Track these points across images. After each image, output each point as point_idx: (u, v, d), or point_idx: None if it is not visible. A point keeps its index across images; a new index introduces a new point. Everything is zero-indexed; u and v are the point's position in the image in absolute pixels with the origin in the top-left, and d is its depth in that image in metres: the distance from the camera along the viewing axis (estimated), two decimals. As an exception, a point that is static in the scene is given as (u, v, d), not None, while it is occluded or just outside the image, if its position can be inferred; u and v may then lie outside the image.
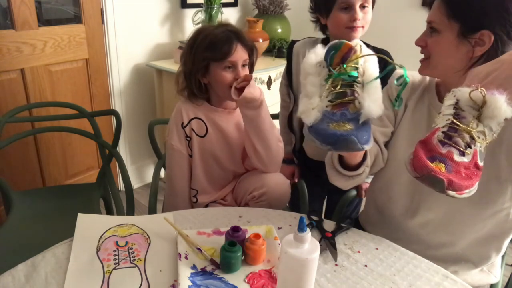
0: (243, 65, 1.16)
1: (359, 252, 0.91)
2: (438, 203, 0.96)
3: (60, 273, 0.80)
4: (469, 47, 0.85)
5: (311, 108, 0.73)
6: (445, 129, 0.68)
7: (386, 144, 1.05)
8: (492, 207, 0.91)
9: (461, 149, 0.66)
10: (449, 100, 0.71)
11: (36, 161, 2.05)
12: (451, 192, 0.64)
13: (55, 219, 1.44)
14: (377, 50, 1.34)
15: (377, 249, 0.92)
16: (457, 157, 0.66)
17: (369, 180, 1.21)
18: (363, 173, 0.94)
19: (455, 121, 0.67)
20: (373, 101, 0.71)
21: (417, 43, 0.94)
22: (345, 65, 0.73)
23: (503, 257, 1.11)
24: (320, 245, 0.77)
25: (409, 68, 1.11)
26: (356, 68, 0.74)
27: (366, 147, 0.70)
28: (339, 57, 0.74)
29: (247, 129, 1.17)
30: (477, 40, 0.84)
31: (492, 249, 0.98)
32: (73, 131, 1.64)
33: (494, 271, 1.05)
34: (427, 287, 0.81)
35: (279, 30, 2.69)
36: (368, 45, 1.36)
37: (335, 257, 0.88)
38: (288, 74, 1.41)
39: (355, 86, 0.73)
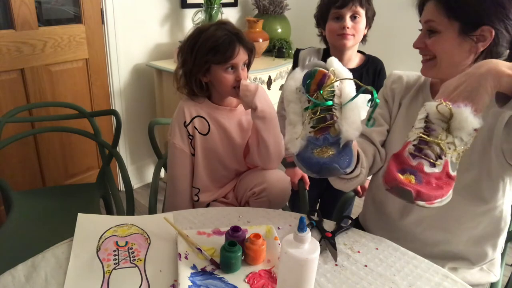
0: (243, 64, 1.18)
1: (359, 252, 0.91)
2: None
3: (60, 273, 0.80)
4: (472, 44, 0.86)
5: (295, 138, 0.77)
6: (415, 142, 0.70)
7: (384, 143, 1.05)
8: (484, 204, 0.93)
9: (431, 161, 0.68)
10: (421, 114, 0.74)
11: (36, 161, 2.05)
12: (421, 202, 0.65)
13: (55, 219, 1.44)
14: (372, 58, 1.43)
15: (377, 249, 0.92)
16: (427, 169, 0.68)
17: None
18: (361, 175, 0.94)
19: (422, 135, 0.70)
20: (349, 124, 0.74)
21: (416, 45, 0.94)
22: (321, 91, 0.77)
23: (503, 256, 1.11)
24: (320, 245, 0.77)
25: (409, 68, 1.11)
26: (332, 92, 0.78)
27: (348, 170, 0.74)
28: (314, 84, 0.78)
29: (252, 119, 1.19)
30: (478, 36, 0.85)
31: (488, 247, 0.99)
32: (73, 131, 1.64)
33: (494, 270, 1.05)
34: (427, 287, 0.81)
35: (279, 30, 2.68)
36: (363, 53, 1.41)
37: (335, 257, 0.88)
38: None
39: (333, 109, 0.77)
